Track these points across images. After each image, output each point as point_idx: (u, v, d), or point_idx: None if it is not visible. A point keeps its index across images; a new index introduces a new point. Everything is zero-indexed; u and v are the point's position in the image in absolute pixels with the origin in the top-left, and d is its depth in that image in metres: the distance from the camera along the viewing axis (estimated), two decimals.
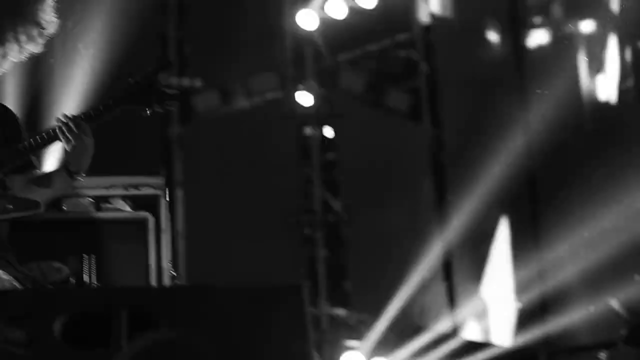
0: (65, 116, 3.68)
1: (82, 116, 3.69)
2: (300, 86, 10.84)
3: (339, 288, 10.58)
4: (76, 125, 3.66)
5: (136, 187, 5.06)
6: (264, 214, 10.35)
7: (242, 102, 11.14)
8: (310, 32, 10.94)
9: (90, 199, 4.91)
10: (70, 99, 8.60)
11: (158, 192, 5.03)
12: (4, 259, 3.84)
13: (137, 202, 5.07)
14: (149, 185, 5.06)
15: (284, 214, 10.49)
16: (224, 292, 3.07)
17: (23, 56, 4.04)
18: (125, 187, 5.02)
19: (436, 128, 11.08)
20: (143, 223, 4.99)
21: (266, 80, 10.92)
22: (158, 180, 5.05)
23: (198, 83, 10.99)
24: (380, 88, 11.31)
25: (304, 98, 10.76)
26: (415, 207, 10.66)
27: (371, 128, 10.89)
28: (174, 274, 4.97)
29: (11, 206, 3.76)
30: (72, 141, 3.67)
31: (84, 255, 4.48)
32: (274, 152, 10.72)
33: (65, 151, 3.72)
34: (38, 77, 8.31)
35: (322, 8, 10.92)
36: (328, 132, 10.88)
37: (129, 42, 8.97)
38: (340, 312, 10.44)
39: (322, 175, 10.74)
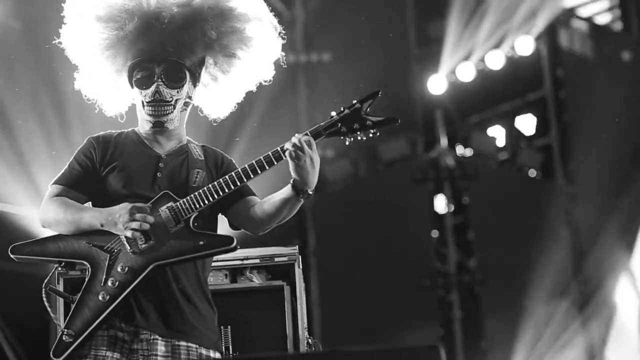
0: (296, 137, 3.66)
1: (309, 133, 3.70)
2: (431, 150, 10.86)
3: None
4: (307, 143, 3.64)
5: (271, 257, 5.16)
6: (398, 278, 10.36)
7: (372, 169, 11.23)
8: (440, 96, 10.97)
9: (226, 272, 5.06)
10: None
11: (292, 261, 5.11)
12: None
13: (272, 272, 5.18)
14: (283, 255, 5.15)
15: (417, 277, 10.44)
16: (362, 356, 3.07)
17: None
18: (260, 258, 5.14)
19: (569, 184, 10.94)
20: (278, 292, 5.08)
21: (396, 146, 10.94)
22: (292, 250, 5.13)
23: (329, 153, 11.10)
24: (512, 148, 11.24)
25: (435, 161, 10.71)
26: (552, 265, 10.53)
27: (504, 188, 10.81)
28: (310, 340, 5.03)
29: (203, 242, 3.71)
30: (301, 159, 3.64)
31: (221, 327, 4.60)
32: (405, 216, 10.71)
33: (294, 170, 3.69)
34: None
35: (453, 73, 10.97)
36: (460, 194, 10.79)
37: None
38: None
39: (456, 238, 10.62)
